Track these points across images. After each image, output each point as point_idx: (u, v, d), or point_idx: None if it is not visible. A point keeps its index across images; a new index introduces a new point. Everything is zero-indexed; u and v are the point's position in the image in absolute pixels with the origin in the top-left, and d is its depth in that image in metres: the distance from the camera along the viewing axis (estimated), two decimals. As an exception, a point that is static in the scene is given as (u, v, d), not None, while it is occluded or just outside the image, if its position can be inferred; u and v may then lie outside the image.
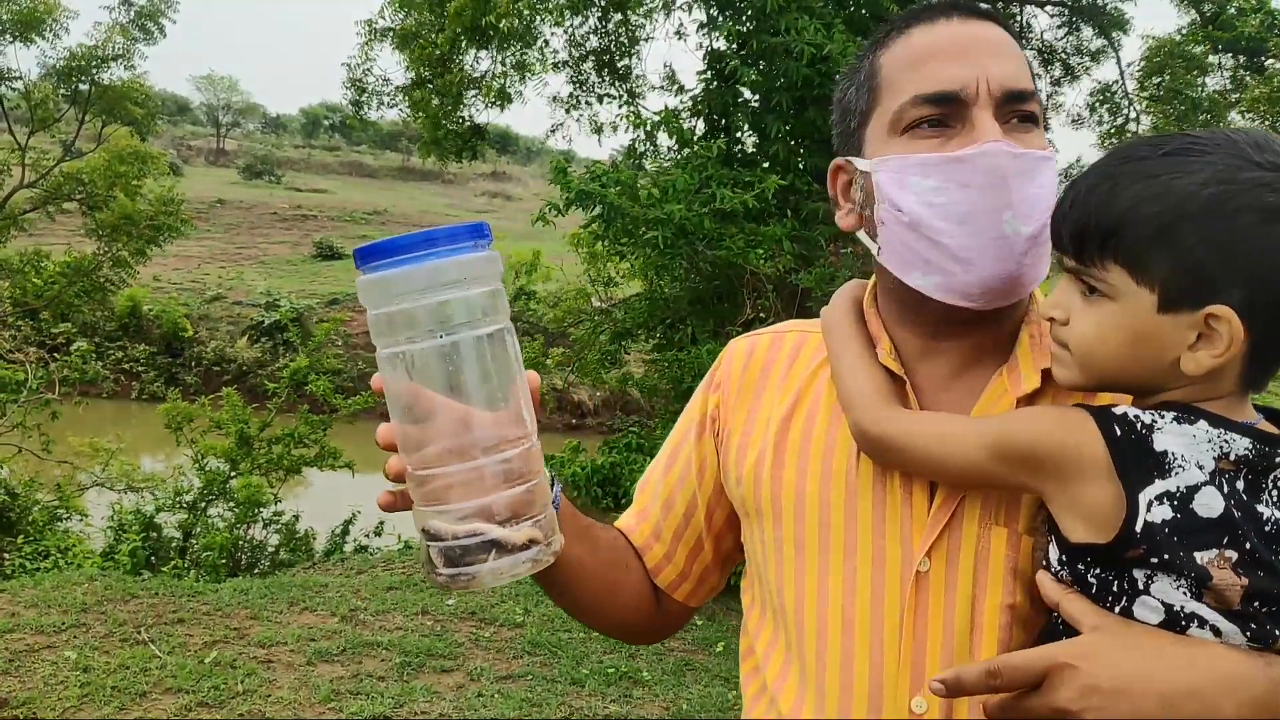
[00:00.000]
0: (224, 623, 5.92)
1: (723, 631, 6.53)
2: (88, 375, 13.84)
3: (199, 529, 9.58)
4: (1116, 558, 0.94)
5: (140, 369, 22.76)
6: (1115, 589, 0.96)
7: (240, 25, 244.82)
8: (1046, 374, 1.11)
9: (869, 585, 1.13)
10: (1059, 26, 12.71)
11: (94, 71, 17.95)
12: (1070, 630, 0.99)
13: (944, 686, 0.99)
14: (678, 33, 11.28)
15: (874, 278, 1.25)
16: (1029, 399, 1.12)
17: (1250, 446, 0.93)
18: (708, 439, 1.32)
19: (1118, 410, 0.97)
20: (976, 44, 1.10)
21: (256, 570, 9.23)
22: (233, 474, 9.94)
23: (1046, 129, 1.18)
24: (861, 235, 1.18)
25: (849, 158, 1.20)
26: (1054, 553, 1.01)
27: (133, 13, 18.08)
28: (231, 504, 9.78)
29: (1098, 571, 0.97)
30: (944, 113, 1.09)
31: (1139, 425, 0.94)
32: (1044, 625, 1.06)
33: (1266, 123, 12.14)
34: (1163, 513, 0.92)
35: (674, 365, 8.11)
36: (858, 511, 1.15)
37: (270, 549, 9.77)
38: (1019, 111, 1.09)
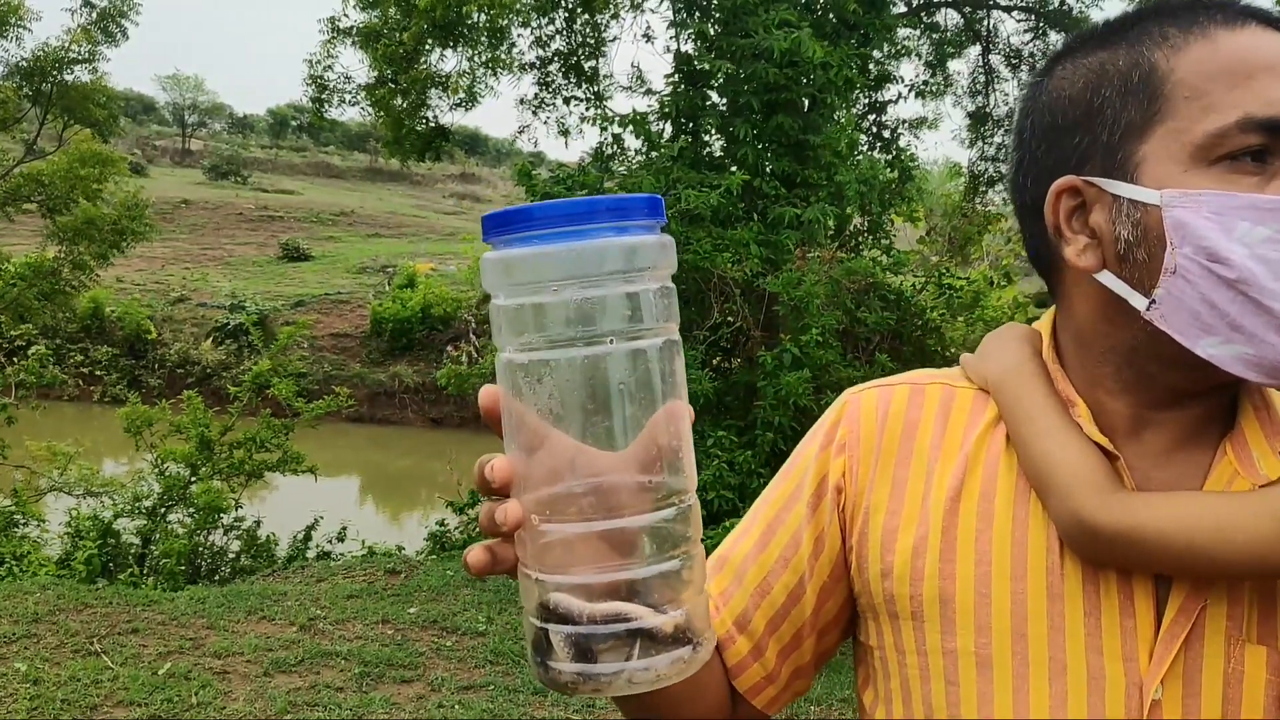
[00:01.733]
0: (179, 633, 5.81)
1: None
2: (45, 379, 13.59)
3: (158, 535, 9.43)
4: None
5: (102, 371, 22.45)
6: None
7: (208, 24, 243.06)
8: None
9: (1085, 715, 0.90)
10: (1025, 31, 12.79)
11: (57, 72, 17.71)
12: None
13: None
14: (645, 35, 11.26)
15: (1049, 324, 1.04)
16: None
17: None
18: (829, 511, 1.05)
19: None
20: None
21: (217, 577, 9.11)
22: (193, 479, 9.79)
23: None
24: (1109, 279, 0.93)
25: (1093, 179, 0.94)
26: None
27: (95, 14, 17.86)
28: (192, 510, 9.63)
29: None
30: (1274, 144, 0.87)
31: None
32: None
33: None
34: None
35: (641, 369, 8.05)
36: (1064, 623, 0.92)
37: (231, 556, 9.64)
38: None
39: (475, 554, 0.76)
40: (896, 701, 1.01)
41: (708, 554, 0.87)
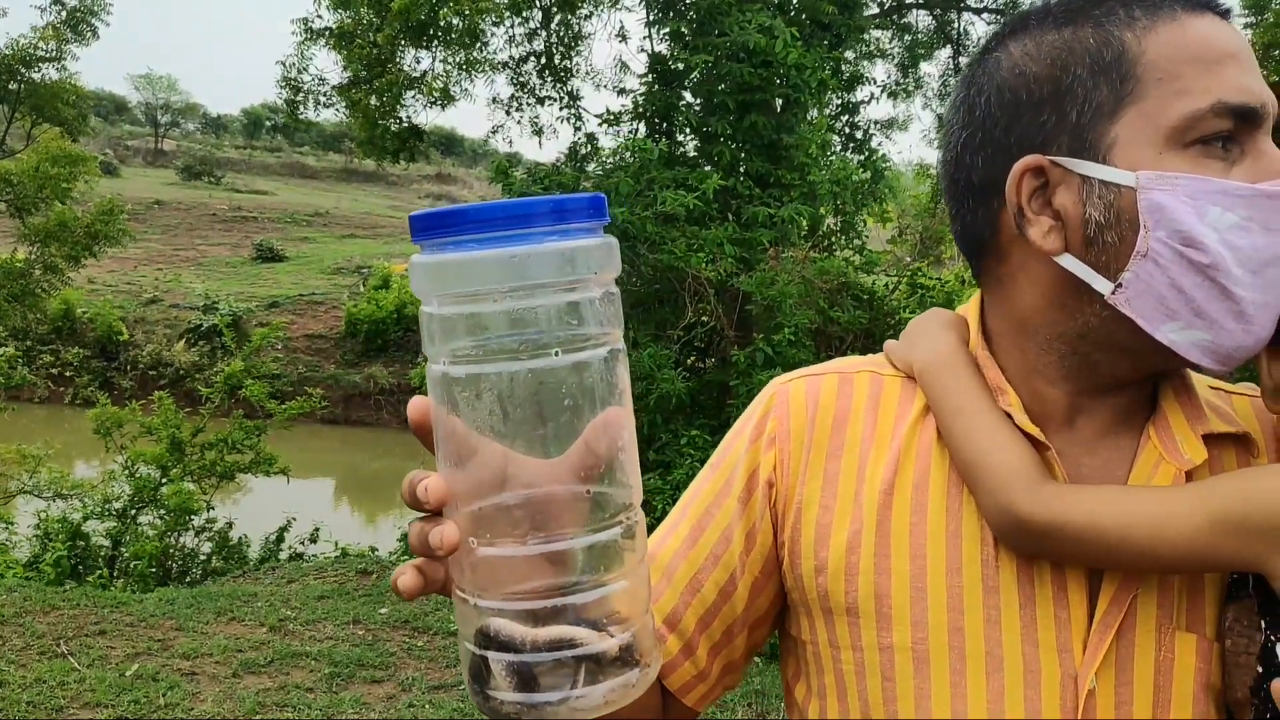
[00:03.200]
0: (147, 634, 5.76)
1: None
2: (15, 380, 13.47)
3: (128, 537, 9.36)
4: None
5: (73, 373, 22.25)
6: None
7: (181, 23, 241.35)
8: (1208, 439, 0.95)
9: (1022, 710, 0.90)
10: (996, 34, 12.89)
11: (24, 70, 17.55)
12: None
13: None
14: (620, 35, 11.27)
15: (975, 310, 1.03)
16: (1189, 475, 0.93)
17: None
18: (759, 506, 1.02)
19: None
20: (1246, 51, 0.89)
21: (188, 579, 9.04)
22: (164, 480, 9.72)
23: None
24: (1070, 262, 0.91)
25: (1060, 159, 0.91)
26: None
27: (64, 13, 17.71)
28: (162, 511, 9.56)
29: None
30: (1236, 130, 0.87)
31: None
32: None
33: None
34: None
35: (614, 369, 8.06)
36: (1000, 616, 0.92)
37: (202, 557, 9.58)
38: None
39: (406, 577, 0.72)
40: (831, 697, 1.00)
41: None
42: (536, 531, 0.66)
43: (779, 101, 9.51)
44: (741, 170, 9.48)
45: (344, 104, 11.15)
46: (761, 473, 1.03)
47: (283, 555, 9.55)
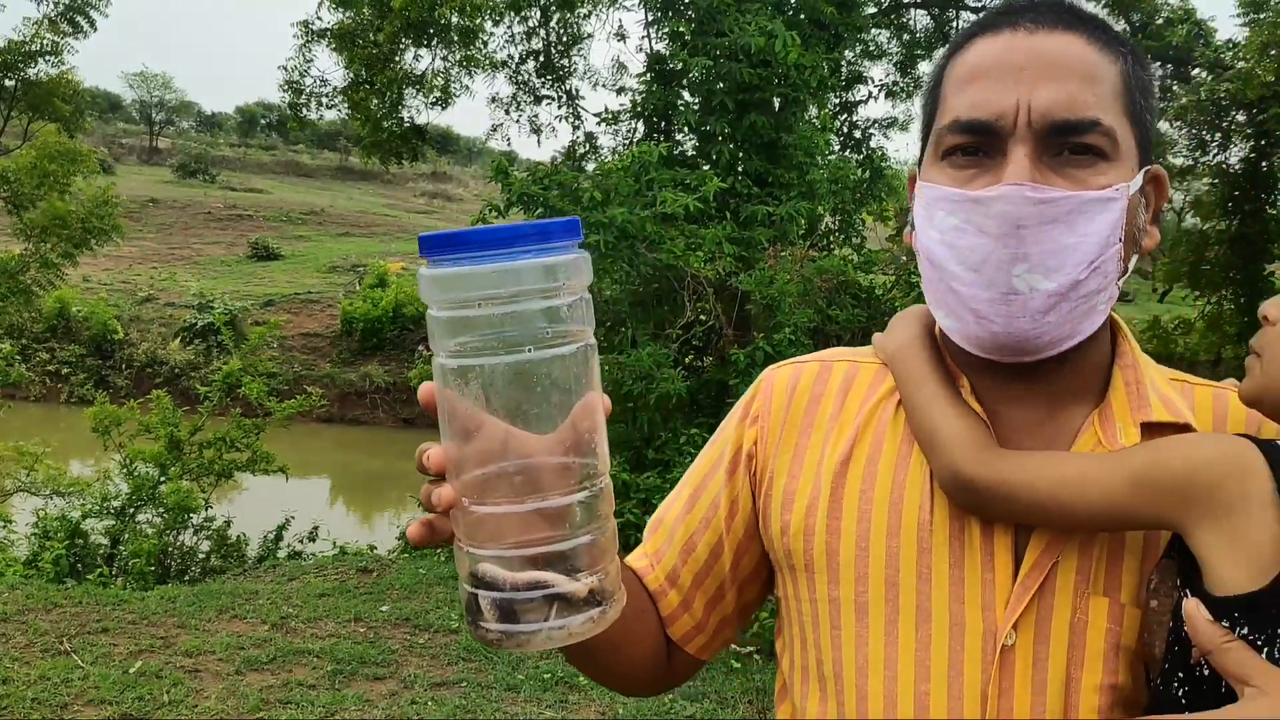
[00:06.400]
0: (150, 632, 5.77)
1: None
2: (11, 378, 13.43)
3: (127, 535, 9.34)
4: (1272, 610, 0.85)
5: (69, 371, 22.20)
6: (1263, 657, 0.85)
7: (175, 22, 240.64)
8: (1146, 428, 1.01)
9: (945, 659, 0.99)
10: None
11: (21, 67, 17.49)
12: (1199, 695, 0.89)
13: None
14: (619, 34, 11.28)
15: None
16: None
17: None
18: (742, 477, 1.17)
19: None
20: (1035, 62, 0.96)
21: (186, 577, 9.03)
22: (162, 479, 9.70)
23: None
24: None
25: (919, 171, 1.08)
26: (1199, 610, 0.88)
27: (61, 6, 17.64)
28: (161, 510, 9.54)
29: (1245, 631, 0.85)
30: (978, 142, 0.98)
31: None
32: (1149, 700, 0.96)
33: (1192, 131, 12.44)
34: None
35: (614, 368, 8.09)
36: (931, 574, 1.01)
37: (201, 556, 9.55)
38: (1073, 144, 0.96)
39: (414, 528, 0.87)
40: (796, 645, 1.12)
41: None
42: (521, 492, 0.81)
43: (777, 101, 9.53)
44: (740, 169, 9.50)
45: (346, 105, 11.12)
46: (744, 447, 1.17)
47: (281, 553, 9.54)
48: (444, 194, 48.05)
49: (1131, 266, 1.03)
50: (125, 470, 9.81)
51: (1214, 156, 12.53)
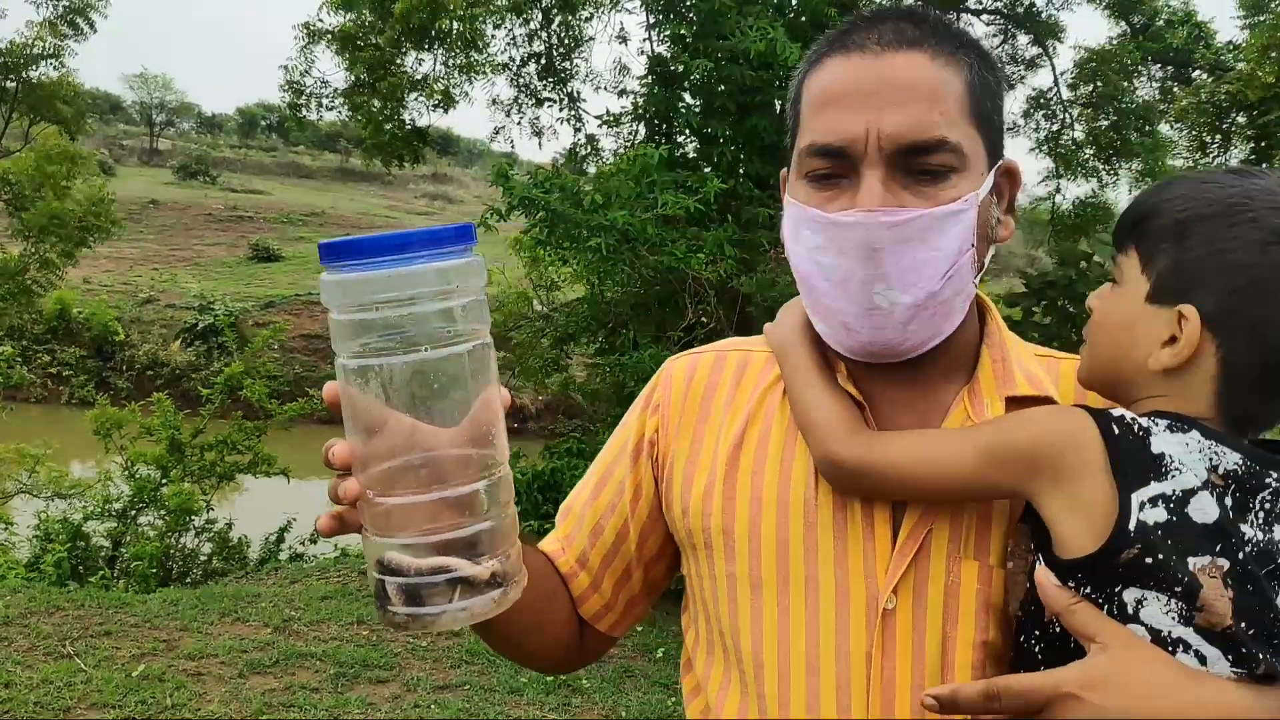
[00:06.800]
0: (153, 635, 5.77)
1: (663, 638, 6.51)
2: (13, 380, 13.44)
3: (129, 538, 9.34)
4: (1109, 571, 0.92)
5: (69, 373, 22.21)
6: (1105, 613, 0.93)
7: (176, 23, 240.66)
8: (1010, 402, 1.09)
9: (833, 625, 1.07)
10: (995, 35, 12.90)
11: (22, 69, 17.50)
12: (1053, 650, 0.96)
13: (938, 703, 0.96)
14: (620, 37, 11.28)
15: None
16: None
17: (1241, 462, 0.92)
18: (645, 463, 1.24)
19: (1115, 412, 0.96)
20: (883, 87, 1.01)
21: (188, 580, 9.03)
22: (164, 481, 9.70)
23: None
24: None
25: (786, 181, 1.15)
26: (1047, 576, 0.96)
27: (60, 8, 17.65)
28: (163, 512, 9.54)
29: (1088, 591, 0.93)
30: (833, 167, 1.04)
31: (1136, 428, 0.94)
32: (1013, 655, 1.03)
33: (1193, 133, 12.43)
34: (1156, 515, 0.90)
35: (616, 370, 8.09)
36: (818, 547, 1.09)
37: (202, 558, 9.56)
38: (922, 164, 1.01)
39: (324, 520, 0.93)
40: (701, 621, 1.19)
41: None
42: (429, 484, 0.85)
43: (779, 103, 9.52)
44: (741, 172, 9.49)
45: (347, 107, 11.12)
46: (646, 435, 1.25)
47: (283, 556, 9.54)
48: (444, 196, 48.07)
49: (988, 261, 1.10)
50: (127, 472, 9.82)
51: (1214, 158, 12.52)
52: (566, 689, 5.51)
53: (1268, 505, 0.92)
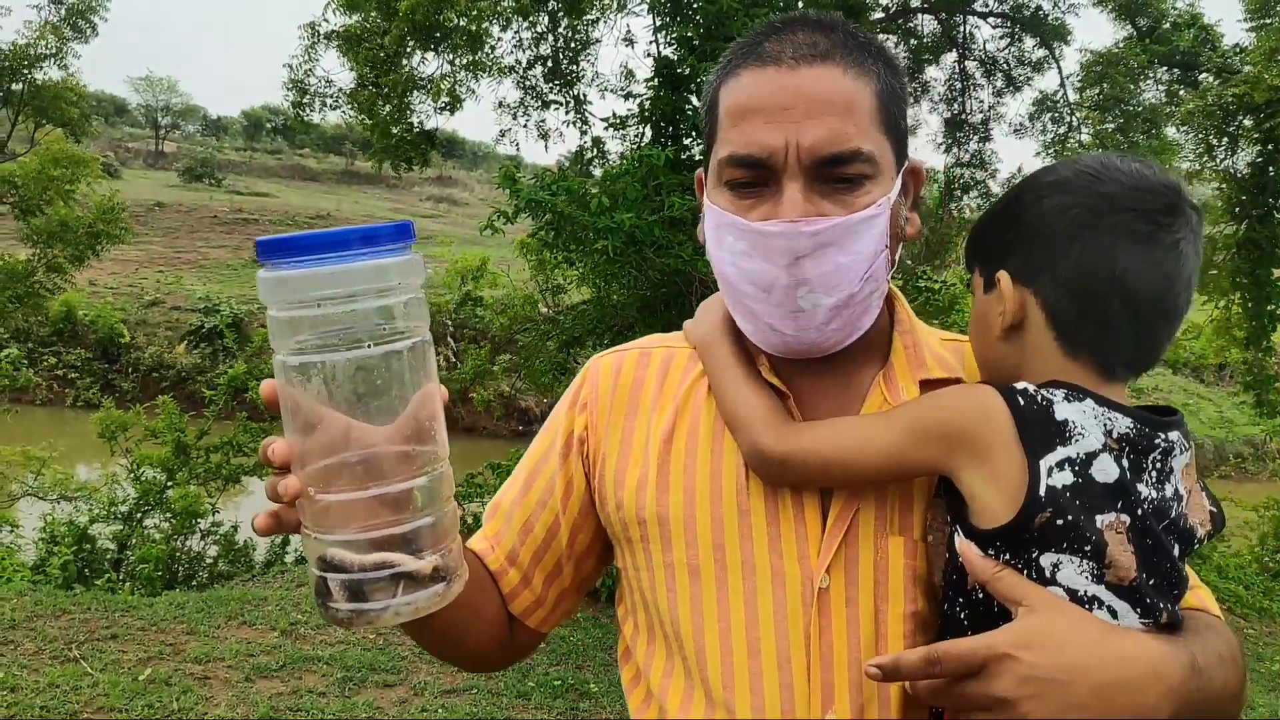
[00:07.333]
0: (159, 638, 5.76)
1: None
2: (19, 382, 13.45)
3: (134, 541, 9.33)
4: (1025, 537, 0.98)
5: (75, 375, 22.23)
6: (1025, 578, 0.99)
7: (181, 26, 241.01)
8: (924, 384, 1.16)
9: (771, 607, 1.11)
10: (1001, 37, 12.87)
11: (27, 71, 17.54)
12: (977, 615, 1.02)
13: (881, 671, 1.00)
14: (627, 40, 11.26)
15: None
16: None
17: (1132, 426, 1.00)
18: (575, 459, 1.27)
19: (1019, 386, 1.02)
20: (799, 101, 1.06)
21: (194, 583, 9.02)
22: (169, 484, 9.70)
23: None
24: None
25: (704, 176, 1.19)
26: (970, 548, 1.02)
27: (63, 10, 17.68)
28: (168, 514, 9.53)
29: (1007, 558, 0.99)
30: (753, 177, 1.08)
31: (1039, 398, 1.00)
32: (941, 622, 1.09)
33: (1199, 136, 12.40)
34: (1064, 478, 0.97)
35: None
36: (752, 532, 1.13)
37: (208, 561, 9.55)
38: (837, 175, 1.07)
39: (261, 519, 0.92)
40: (639, 611, 1.22)
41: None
42: (369, 480, 0.85)
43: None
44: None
45: (352, 108, 11.11)
46: (576, 432, 1.27)
47: (289, 559, 9.53)
48: (449, 198, 48.13)
49: (898, 258, 1.16)
50: (132, 475, 9.81)
51: (1221, 161, 12.48)
52: (574, 693, 5.50)
53: (1158, 464, 1.00)
